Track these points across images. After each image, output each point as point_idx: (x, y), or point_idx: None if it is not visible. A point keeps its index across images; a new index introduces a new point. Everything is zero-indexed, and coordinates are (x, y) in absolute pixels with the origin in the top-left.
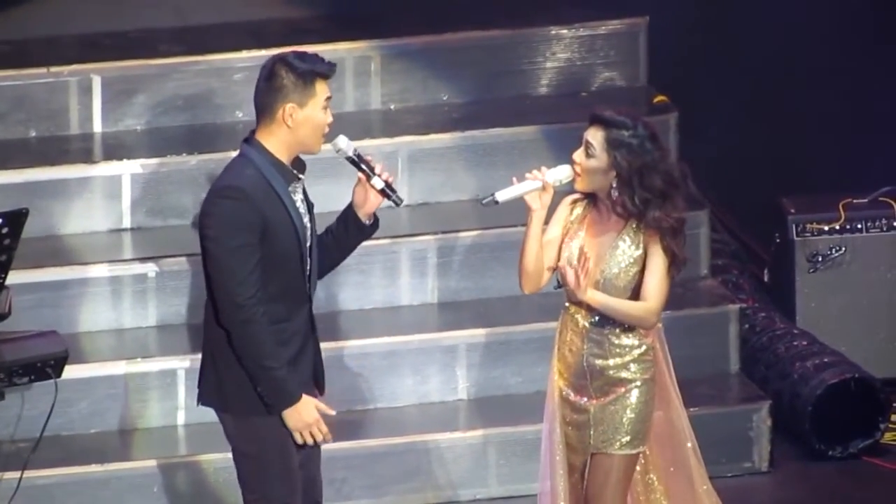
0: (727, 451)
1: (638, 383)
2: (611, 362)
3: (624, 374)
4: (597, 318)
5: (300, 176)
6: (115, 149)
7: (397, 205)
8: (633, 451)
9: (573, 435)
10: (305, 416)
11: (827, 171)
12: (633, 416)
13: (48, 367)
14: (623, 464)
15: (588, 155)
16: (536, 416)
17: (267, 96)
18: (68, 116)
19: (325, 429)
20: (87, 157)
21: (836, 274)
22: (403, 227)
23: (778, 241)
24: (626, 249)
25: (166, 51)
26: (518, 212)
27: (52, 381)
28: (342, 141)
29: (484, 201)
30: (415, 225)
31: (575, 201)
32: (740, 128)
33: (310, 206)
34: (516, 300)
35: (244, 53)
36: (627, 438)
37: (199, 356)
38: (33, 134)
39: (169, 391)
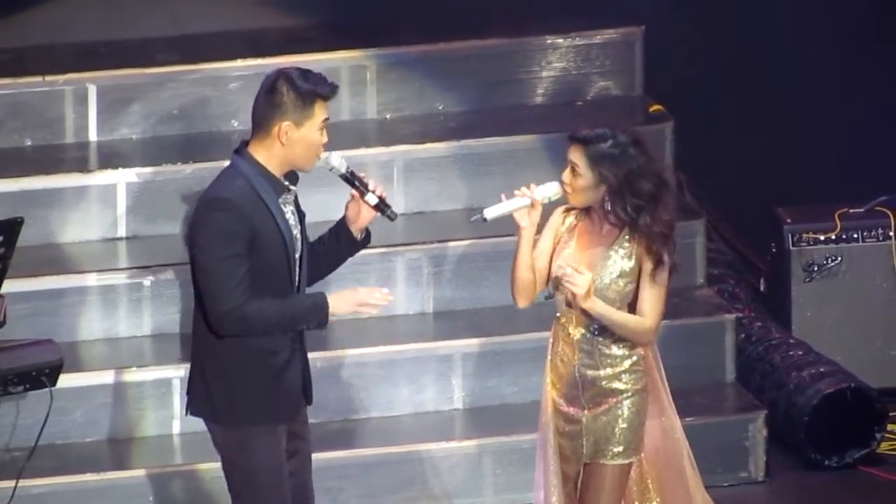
0: (723, 461)
1: (630, 394)
2: (602, 373)
3: (616, 385)
4: (588, 328)
5: (291, 187)
6: (111, 157)
7: (391, 220)
8: (626, 461)
9: (566, 445)
10: (345, 302)
11: (823, 180)
12: (625, 426)
13: (43, 375)
14: (616, 474)
15: (575, 174)
16: (531, 425)
17: (265, 110)
18: (64, 125)
19: (367, 291)
20: (82, 166)
21: (832, 284)
22: (399, 237)
23: (774, 250)
24: (618, 260)
25: (162, 60)
26: (514, 222)
27: (47, 389)
28: (335, 158)
29: (472, 218)
30: (410, 234)
31: (567, 210)
32: (736, 137)
33: (301, 217)
34: (511, 310)
35: (240, 62)
36: (620, 448)
37: None
38: (29, 142)
39: (164, 400)
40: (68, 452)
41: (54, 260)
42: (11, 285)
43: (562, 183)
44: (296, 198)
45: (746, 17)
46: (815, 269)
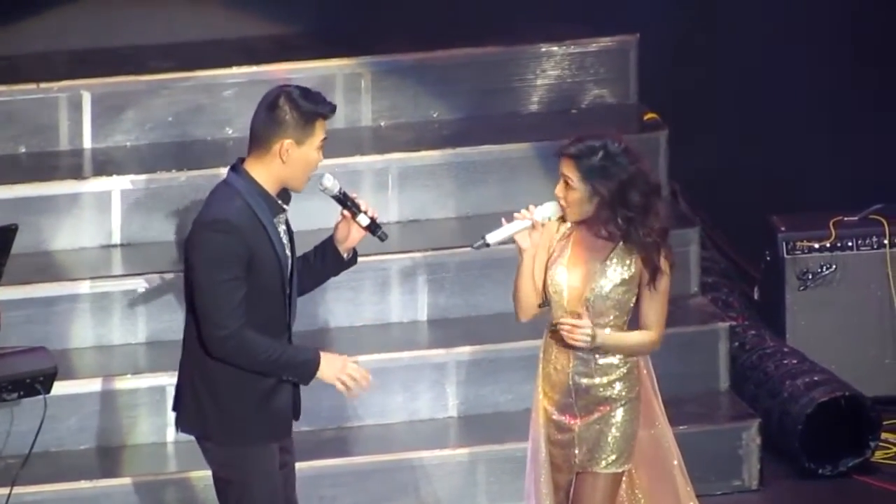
0: (717, 470)
1: (623, 402)
2: (597, 381)
3: (609, 393)
4: None
5: (285, 207)
6: (105, 165)
7: (382, 241)
8: (618, 470)
9: (558, 454)
10: (331, 369)
11: (817, 188)
12: (617, 434)
13: (37, 383)
14: (608, 482)
15: (569, 188)
16: (525, 433)
17: (266, 127)
18: (58, 132)
19: (356, 368)
20: (76, 173)
21: (826, 292)
22: (393, 244)
23: (768, 258)
24: (616, 269)
25: (156, 67)
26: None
27: (41, 397)
28: (328, 180)
29: (475, 245)
30: (405, 242)
31: (561, 219)
32: (730, 145)
33: (291, 236)
34: (506, 317)
35: (234, 70)
36: (613, 457)
37: None
38: (23, 150)
39: (158, 407)
40: (62, 460)
41: (48, 267)
42: (5, 292)
43: (557, 198)
44: (286, 217)
45: (741, 26)
46: (810, 277)
